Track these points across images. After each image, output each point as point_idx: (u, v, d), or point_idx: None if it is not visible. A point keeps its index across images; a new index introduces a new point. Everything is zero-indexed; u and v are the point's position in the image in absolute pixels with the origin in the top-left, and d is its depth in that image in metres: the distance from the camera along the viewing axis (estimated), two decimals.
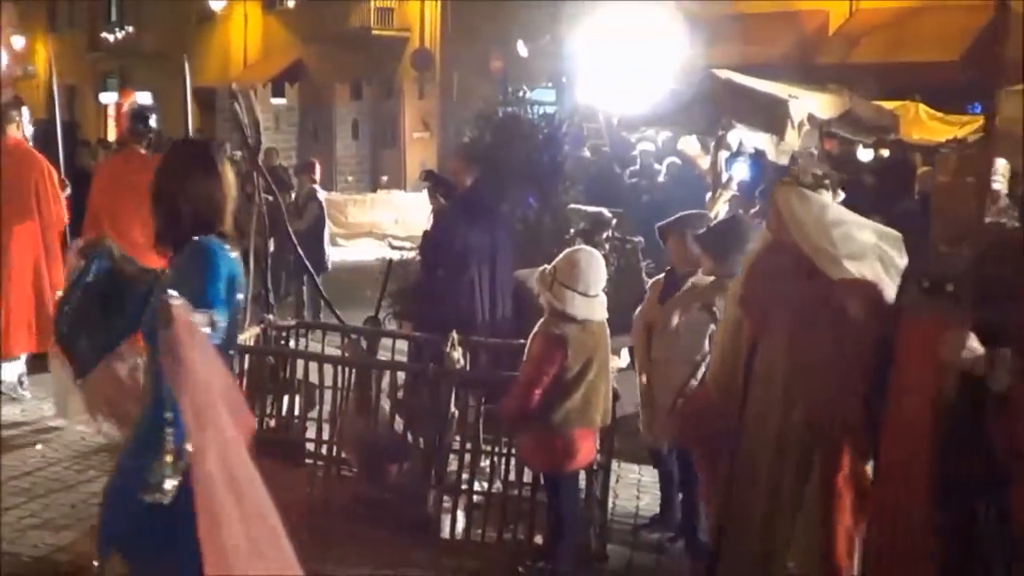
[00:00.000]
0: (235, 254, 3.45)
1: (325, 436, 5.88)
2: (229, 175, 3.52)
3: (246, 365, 5.93)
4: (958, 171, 3.54)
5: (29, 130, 7.93)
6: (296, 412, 6.15)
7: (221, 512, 2.83)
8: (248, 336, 6.29)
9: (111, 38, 34.36)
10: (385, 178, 24.92)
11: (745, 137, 9.82)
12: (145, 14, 32.70)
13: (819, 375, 4.02)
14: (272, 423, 6.13)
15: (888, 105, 12.82)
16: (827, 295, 3.95)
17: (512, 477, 5.51)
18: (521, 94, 8.25)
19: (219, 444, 2.88)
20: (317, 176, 11.97)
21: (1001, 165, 3.61)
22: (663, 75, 10.00)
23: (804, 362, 4.06)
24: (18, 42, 33.28)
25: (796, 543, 4.24)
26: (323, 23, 26.86)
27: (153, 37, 31.91)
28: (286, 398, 6.14)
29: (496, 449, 5.72)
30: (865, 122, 10.33)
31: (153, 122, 8.32)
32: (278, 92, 26.17)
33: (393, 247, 8.74)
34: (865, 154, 14.91)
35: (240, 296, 3.46)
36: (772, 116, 8.75)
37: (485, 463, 5.73)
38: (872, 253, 3.99)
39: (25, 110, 7.98)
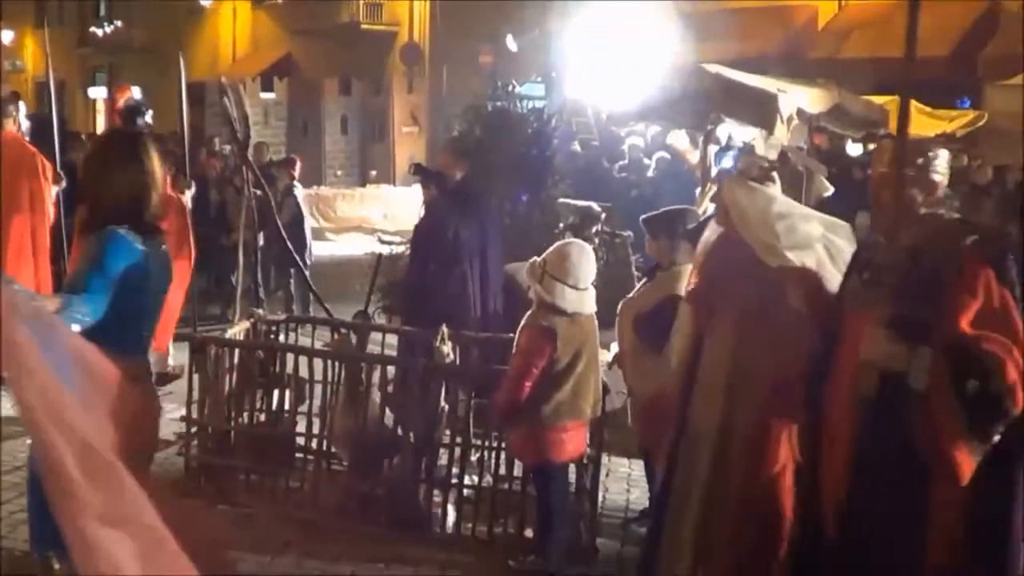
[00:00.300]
0: (146, 247, 3.47)
1: (315, 431, 5.87)
2: (155, 168, 3.55)
3: (235, 359, 5.94)
4: (894, 161, 3.45)
5: (25, 124, 7.92)
6: (286, 407, 6.15)
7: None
8: (238, 331, 6.32)
9: (100, 33, 34.23)
10: (374, 173, 24.89)
11: (734, 131, 9.82)
12: (134, 9, 32.58)
13: (761, 369, 4.01)
14: (262, 417, 6.13)
15: (877, 100, 12.85)
16: (770, 288, 3.94)
17: (503, 471, 5.53)
18: (510, 89, 8.25)
19: (67, 435, 2.71)
20: (296, 172, 11.95)
21: (943, 156, 3.50)
22: (652, 70, 10.00)
23: (746, 356, 4.06)
24: (6, 36, 33.14)
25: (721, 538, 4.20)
26: (312, 18, 26.80)
27: (142, 32, 31.81)
28: (276, 392, 6.13)
29: (486, 443, 5.74)
30: (854, 117, 10.34)
31: (148, 118, 8.31)
32: (267, 87, 26.11)
33: (382, 242, 8.75)
34: (855, 148, 14.93)
35: (154, 285, 3.52)
36: (761, 110, 8.76)
37: (475, 457, 5.72)
38: (819, 244, 4.01)
39: (22, 104, 7.98)
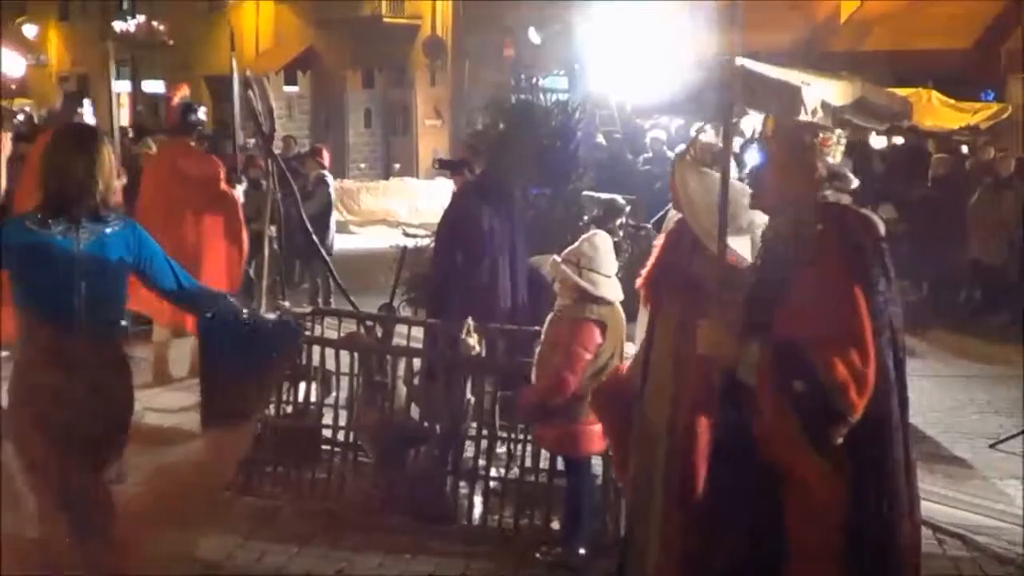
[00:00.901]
0: (44, 231, 3.73)
1: (341, 423, 5.93)
2: (105, 160, 3.82)
3: None
4: (770, 141, 3.36)
5: (91, 122, 8.12)
6: (312, 399, 6.18)
7: None
8: None
9: (123, 27, 34.43)
10: (397, 166, 24.95)
11: (759, 124, 9.78)
12: (157, 3, 32.74)
13: (692, 358, 3.81)
14: (289, 409, 6.17)
15: (900, 92, 12.79)
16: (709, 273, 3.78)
17: (528, 463, 5.55)
18: (534, 82, 8.24)
19: None
20: (326, 161, 12.08)
21: (835, 135, 3.32)
22: (675, 62, 9.98)
23: (687, 345, 3.86)
24: (31, 31, 33.40)
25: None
26: (334, 11, 26.81)
27: (165, 26, 31.96)
28: (303, 385, 6.18)
29: (512, 435, 5.76)
30: (878, 109, 10.27)
31: (201, 115, 8.46)
32: (290, 80, 26.22)
33: (407, 235, 8.79)
34: (878, 141, 14.83)
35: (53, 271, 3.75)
36: (785, 103, 8.71)
37: (501, 449, 5.75)
38: (758, 231, 3.80)
39: (87, 102, 8.17)
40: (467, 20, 24.72)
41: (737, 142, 9.39)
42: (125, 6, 35.65)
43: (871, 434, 3.00)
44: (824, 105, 9.10)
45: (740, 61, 9.78)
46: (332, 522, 5.44)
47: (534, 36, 16.58)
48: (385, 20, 26.54)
